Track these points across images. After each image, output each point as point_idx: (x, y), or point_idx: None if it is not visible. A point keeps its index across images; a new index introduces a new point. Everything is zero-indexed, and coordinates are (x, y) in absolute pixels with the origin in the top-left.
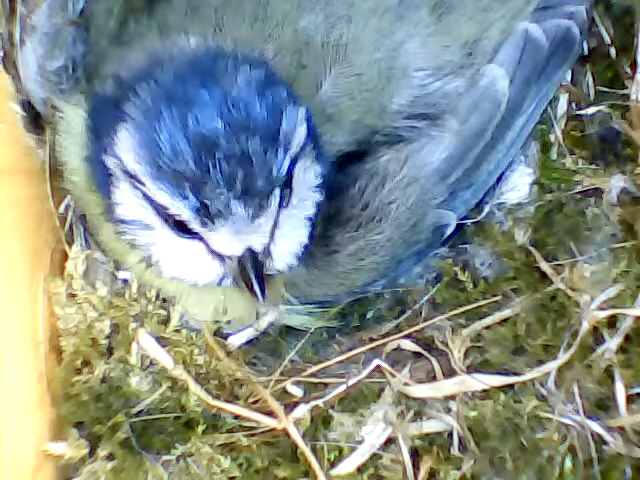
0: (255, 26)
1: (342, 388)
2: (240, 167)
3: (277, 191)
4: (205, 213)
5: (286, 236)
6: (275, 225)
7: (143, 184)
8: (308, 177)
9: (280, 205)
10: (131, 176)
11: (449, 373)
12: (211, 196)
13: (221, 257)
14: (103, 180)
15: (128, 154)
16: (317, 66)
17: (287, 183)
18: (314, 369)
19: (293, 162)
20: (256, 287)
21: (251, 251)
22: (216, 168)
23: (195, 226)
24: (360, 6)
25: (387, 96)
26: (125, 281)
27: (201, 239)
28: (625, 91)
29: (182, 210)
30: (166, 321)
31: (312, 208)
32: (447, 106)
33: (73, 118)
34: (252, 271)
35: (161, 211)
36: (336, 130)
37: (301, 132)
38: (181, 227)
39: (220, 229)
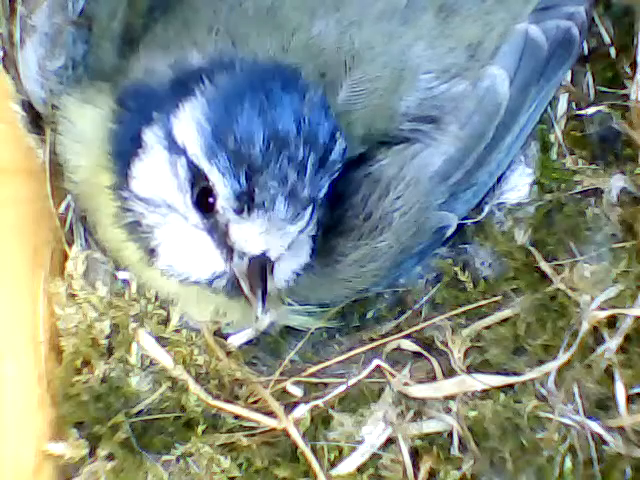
0: (273, 37)
1: (342, 388)
2: (296, 172)
3: (311, 209)
4: (247, 200)
5: (292, 256)
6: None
7: (192, 157)
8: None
9: (307, 223)
10: (177, 148)
11: (449, 373)
12: (262, 186)
13: (229, 253)
14: (124, 154)
15: (187, 126)
16: (334, 73)
17: (315, 207)
18: (314, 369)
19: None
20: (259, 294)
21: (265, 256)
22: (277, 164)
23: (229, 210)
24: (369, 10)
25: (396, 99)
26: (125, 281)
27: (211, 231)
28: (625, 91)
29: (227, 190)
30: (166, 321)
31: (317, 225)
32: (451, 108)
33: (77, 115)
34: (259, 276)
35: (197, 186)
36: (352, 141)
37: (339, 164)
38: (205, 210)
39: (255, 220)
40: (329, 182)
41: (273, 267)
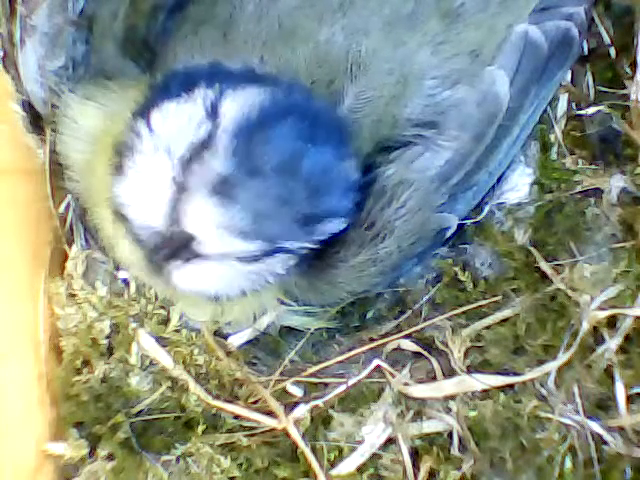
0: (286, 43)
1: (342, 388)
2: (273, 205)
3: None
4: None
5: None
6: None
7: (218, 124)
8: None
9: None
10: (213, 114)
11: (449, 373)
12: (239, 185)
13: (171, 219)
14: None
15: (236, 104)
16: (340, 81)
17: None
18: (314, 369)
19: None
20: (171, 262)
21: (191, 239)
22: (270, 188)
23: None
24: (376, 17)
25: (401, 106)
26: (125, 281)
27: (180, 186)
28: (625, 91)
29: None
30: (166, 321)
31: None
32: (452, 113)
33: (78, 112)
34: (177, 247)
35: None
36: (356, 150)
37: (313, 240)
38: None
39: (213, 203)
40: (294, 246)
41: (190, 259)
